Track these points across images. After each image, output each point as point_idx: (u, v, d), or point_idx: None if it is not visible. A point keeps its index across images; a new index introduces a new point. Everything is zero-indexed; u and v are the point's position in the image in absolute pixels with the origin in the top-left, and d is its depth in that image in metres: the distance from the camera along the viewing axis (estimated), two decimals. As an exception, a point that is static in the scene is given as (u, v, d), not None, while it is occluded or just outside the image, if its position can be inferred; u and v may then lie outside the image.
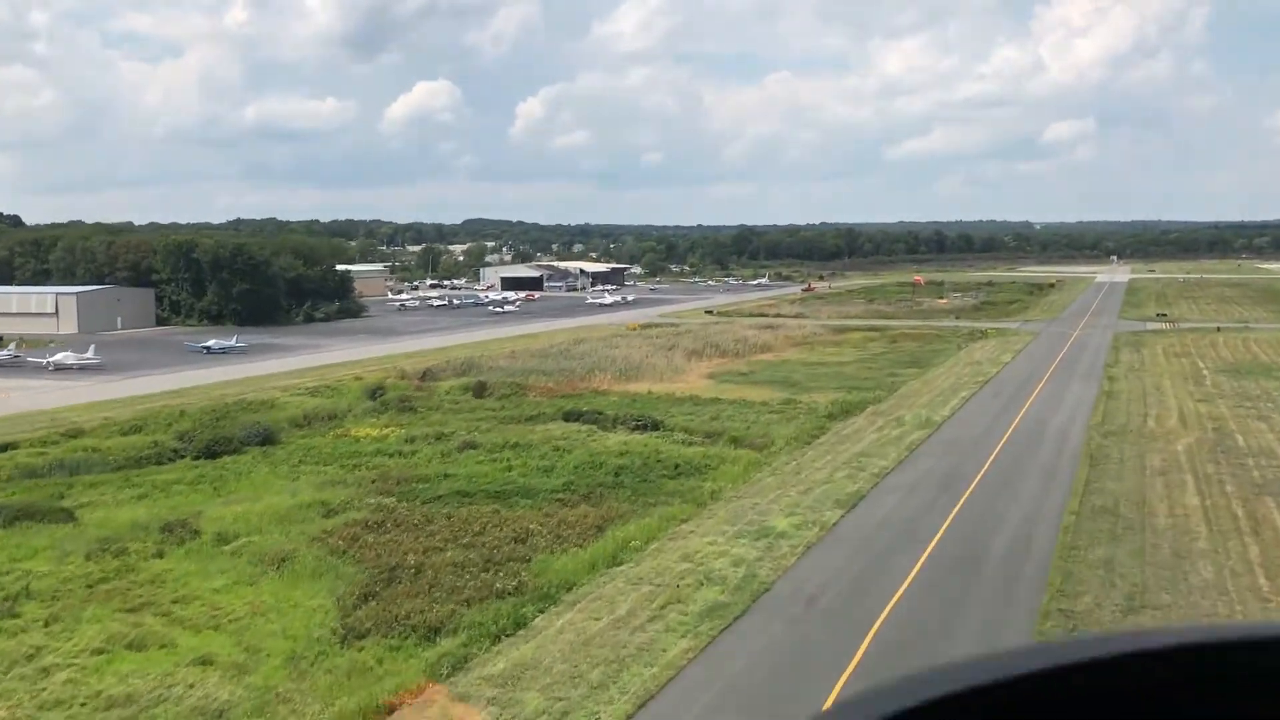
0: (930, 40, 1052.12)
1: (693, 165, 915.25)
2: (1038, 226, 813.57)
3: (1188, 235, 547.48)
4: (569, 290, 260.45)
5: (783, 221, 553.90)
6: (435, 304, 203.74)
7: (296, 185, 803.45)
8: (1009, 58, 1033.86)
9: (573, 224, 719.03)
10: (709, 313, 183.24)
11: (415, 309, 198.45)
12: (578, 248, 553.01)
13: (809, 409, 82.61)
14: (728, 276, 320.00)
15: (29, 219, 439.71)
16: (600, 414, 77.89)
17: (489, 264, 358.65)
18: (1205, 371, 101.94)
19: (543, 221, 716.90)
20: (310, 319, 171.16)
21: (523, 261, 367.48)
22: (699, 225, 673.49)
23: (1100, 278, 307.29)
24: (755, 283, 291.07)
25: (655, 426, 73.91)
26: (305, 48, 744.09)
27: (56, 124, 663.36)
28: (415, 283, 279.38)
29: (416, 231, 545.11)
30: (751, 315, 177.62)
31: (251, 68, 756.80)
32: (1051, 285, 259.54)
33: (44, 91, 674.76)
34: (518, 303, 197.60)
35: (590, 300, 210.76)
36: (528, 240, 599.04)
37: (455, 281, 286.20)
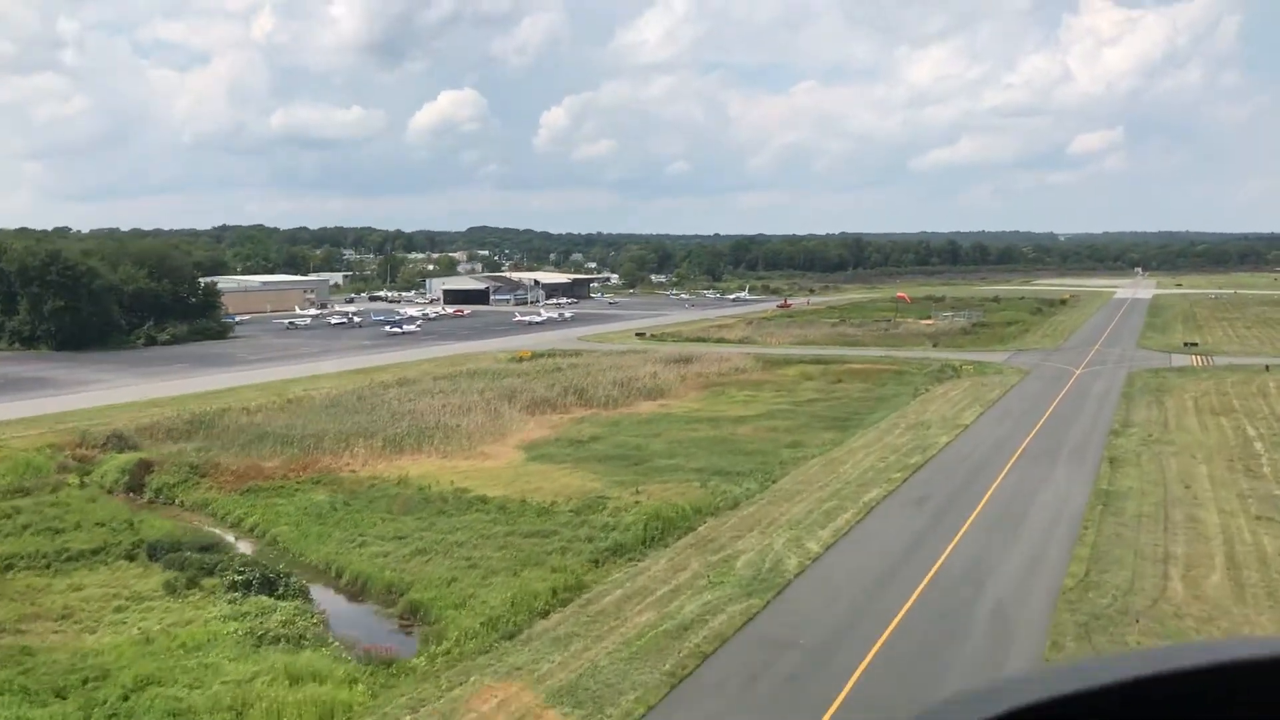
0: (958, 48, 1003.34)
1: (716, 175, 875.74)
2: (1062, 238, 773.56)
3: (1218, 246, 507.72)
4: (517, 303, 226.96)
5: (803, 231, 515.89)
6: (334, 322, 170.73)
7: (323, 193, 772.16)
8: (1038, 67, 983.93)
9: (584, 232, 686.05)
10: (640, 335, 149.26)
11: (305, 328, 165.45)
12: (576, 256, 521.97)
13: (606, 524, 48.72)
14: (709, 289, 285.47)
15: (58, 225, 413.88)
16: (209, 549, 44.21)
17: (458, 274, 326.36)
18: (1259, 446, 66.68)
19: (553, 230, 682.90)
20: (152, 341, 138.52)
21: (491, 271, 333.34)
22: (716, 234, 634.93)
23: (1120, 293, 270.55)
24: (733, 296, 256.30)
25: (269, 584, 40.02)
26: (331, 56, 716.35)
27: (86, 131, 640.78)
28: (352, 296, 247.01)
29: (407, 239, 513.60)
30: (687, 340, 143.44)
31: (278, 75, 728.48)
32: (1063, 301, 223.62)
33: (74, 99, 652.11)
34: (419, 323, 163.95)
35: (519, 318, 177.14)
36: (530, 248, 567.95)
37: (404, 294, 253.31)
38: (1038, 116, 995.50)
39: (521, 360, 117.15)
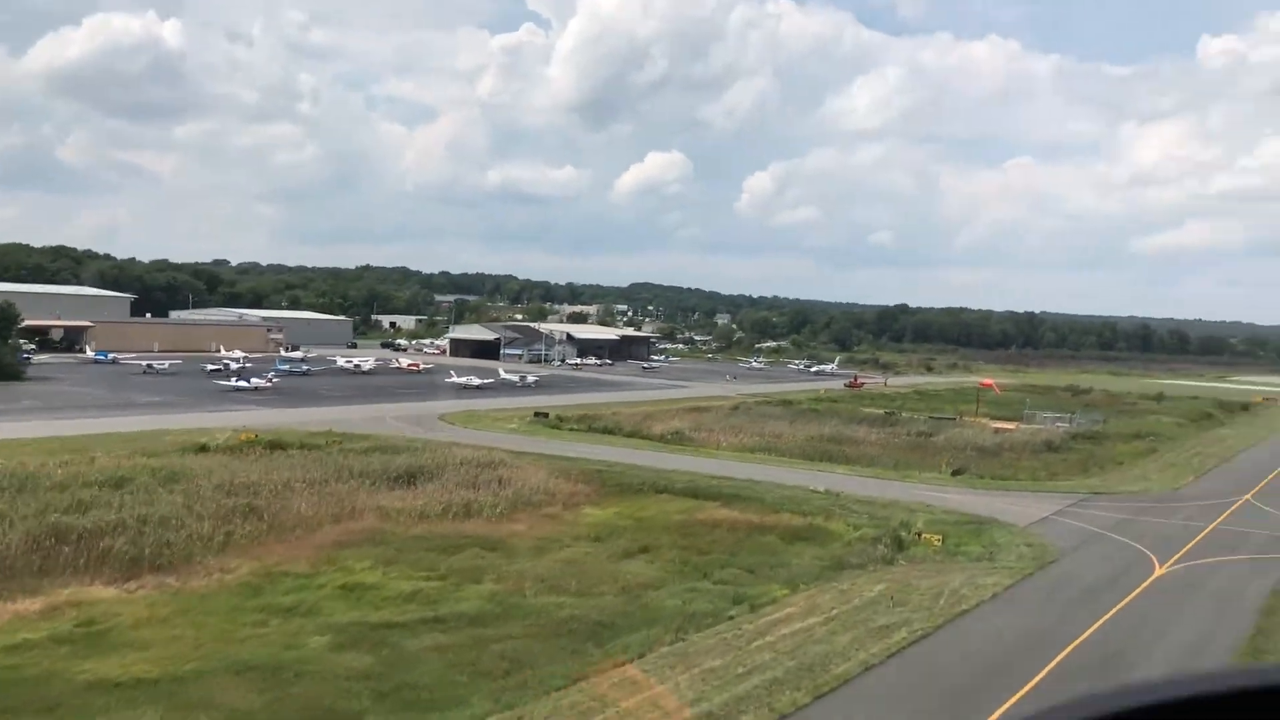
0: (1189, 128, 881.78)
1: (918, 247, 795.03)
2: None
3: None
4: (531, 360, 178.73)
5: (1001, 308, 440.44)
6: (209, 369, 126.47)
7: (529, 247, 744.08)
8: (1278, 150, 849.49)
9: (760, 295, 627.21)
10: (541, 415, 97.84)
11: (162, 372, 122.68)
12: (723, 319, 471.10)
13: None
14: (805, 359, 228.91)
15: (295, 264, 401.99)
16: None
17: (554, 322, 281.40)
18: None
19: (724, 291, 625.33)
20: None
21: (601, 325, 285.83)
22: (903, 306, 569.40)
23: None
24: (815, 369, 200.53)
25: None
26: (546, 116, 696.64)
27: (316, 178, 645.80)
28: (355, 342, 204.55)
29: (546, 289, 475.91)
30: (600, 430, 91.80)
31: (496, 133, 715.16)
32: (1244, 408, 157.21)
33: (307, 147, 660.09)
34: (271, 378, 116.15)
35: (454, 378, 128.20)
36: (682, 307, 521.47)
37: (421, 342, 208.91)
38: (1274, 202, 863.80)
39: (206, 449, 67.97)
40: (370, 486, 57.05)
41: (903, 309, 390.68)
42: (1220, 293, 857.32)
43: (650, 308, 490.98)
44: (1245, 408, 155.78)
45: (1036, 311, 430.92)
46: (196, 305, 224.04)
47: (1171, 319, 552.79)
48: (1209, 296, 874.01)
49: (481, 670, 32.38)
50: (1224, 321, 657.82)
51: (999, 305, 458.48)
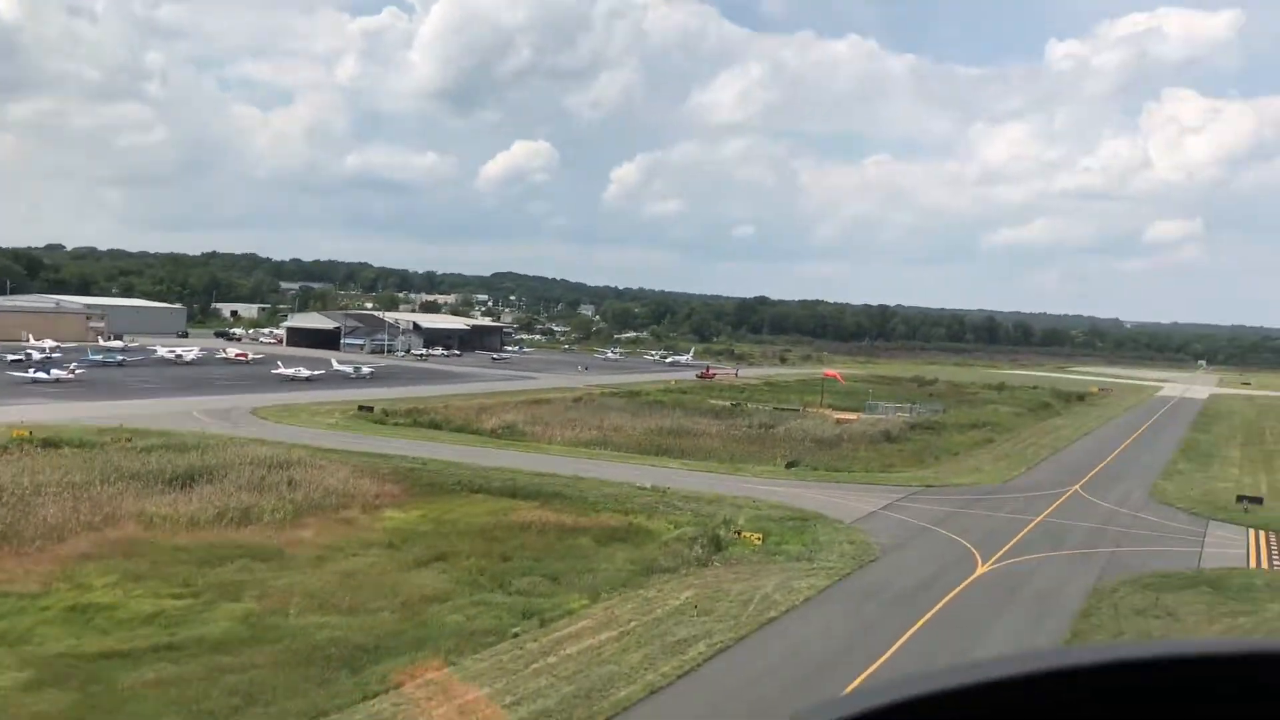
0: (1034, 129, 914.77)
1: (782, 241, 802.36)
2: (1128, 325, 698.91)
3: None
4: (374, 350, 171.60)
5: (858, 301, 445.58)
6: (10, 359, 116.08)
7: (392, 234, 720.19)
8: (1116, 152, 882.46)
9: (626, 287, 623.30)
10: (365, 409, 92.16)
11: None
12: (588, 310, 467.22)
13: None
14: (662, 350, 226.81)
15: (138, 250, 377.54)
16: None
17: (406, 311, 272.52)
18: None
19: (590, 283, 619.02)
20: None
21: (454, 314, 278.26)
22: (762, 298, 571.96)
23: (1168, 389, 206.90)
24: (670, 360, 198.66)
25: None
26: (408, 101, 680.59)
27: (166, 161, 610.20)
28: (186, 331, 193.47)
29: (402, 278, 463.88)
30: (427, 425, 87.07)
31: (357, 118, 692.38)
32: (1080, 397, 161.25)
33: (156, 129, 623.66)
34: (76, 370, 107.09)
35: (280, 370, 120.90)
36: (546, 298, 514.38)
37: (259, 332, 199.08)
38: (1113, 201, 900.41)
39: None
40: (141, 489, 51.19)
41: (761, 301, 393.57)
42: (1063, 287, 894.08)
43: (513, 298, 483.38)
44: (1081, 398, 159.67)
45: (890, 304, 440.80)
46: (15, 292, 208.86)
47: (1017, 312, 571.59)
48: (1052, 291, 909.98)
49: (205, 710, 27.73)
50: (1066, 315, 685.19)
51: (854, 298, 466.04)
